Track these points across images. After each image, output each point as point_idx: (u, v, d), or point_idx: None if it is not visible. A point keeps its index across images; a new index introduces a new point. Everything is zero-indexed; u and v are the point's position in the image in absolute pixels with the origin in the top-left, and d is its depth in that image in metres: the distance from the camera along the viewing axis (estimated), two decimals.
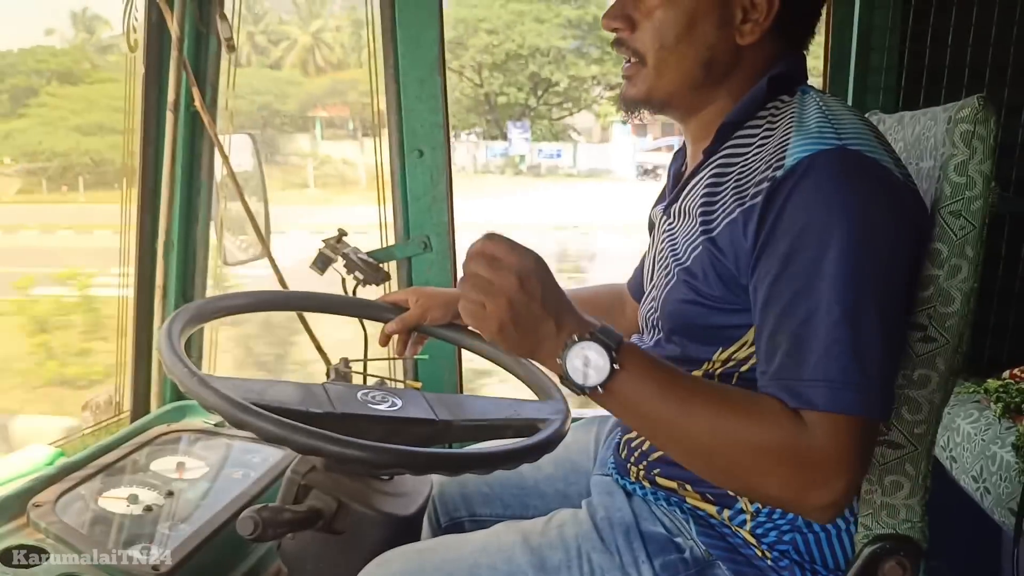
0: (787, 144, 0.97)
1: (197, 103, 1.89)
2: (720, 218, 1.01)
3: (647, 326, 1.22)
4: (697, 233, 1.05)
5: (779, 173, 0.94)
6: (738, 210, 0.98)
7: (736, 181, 1.02)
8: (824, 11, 1.83)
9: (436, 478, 1.41)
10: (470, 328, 1.30)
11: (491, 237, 0.91)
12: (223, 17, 1.85)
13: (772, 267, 0.94)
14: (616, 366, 0.89)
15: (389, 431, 1.14)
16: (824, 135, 0.96)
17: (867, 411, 0.89)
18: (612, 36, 1.14)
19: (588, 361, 0.89)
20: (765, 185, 0.95)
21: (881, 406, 0.91)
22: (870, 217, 0.91)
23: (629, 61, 1.13)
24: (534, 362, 0.98)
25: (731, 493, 1.08)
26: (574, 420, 1.31)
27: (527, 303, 0.88)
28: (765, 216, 0.94)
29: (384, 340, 1.50)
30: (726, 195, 1.02)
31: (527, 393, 1.37)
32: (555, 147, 25.97)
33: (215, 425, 1.72)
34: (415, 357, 2.03)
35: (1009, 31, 1.83)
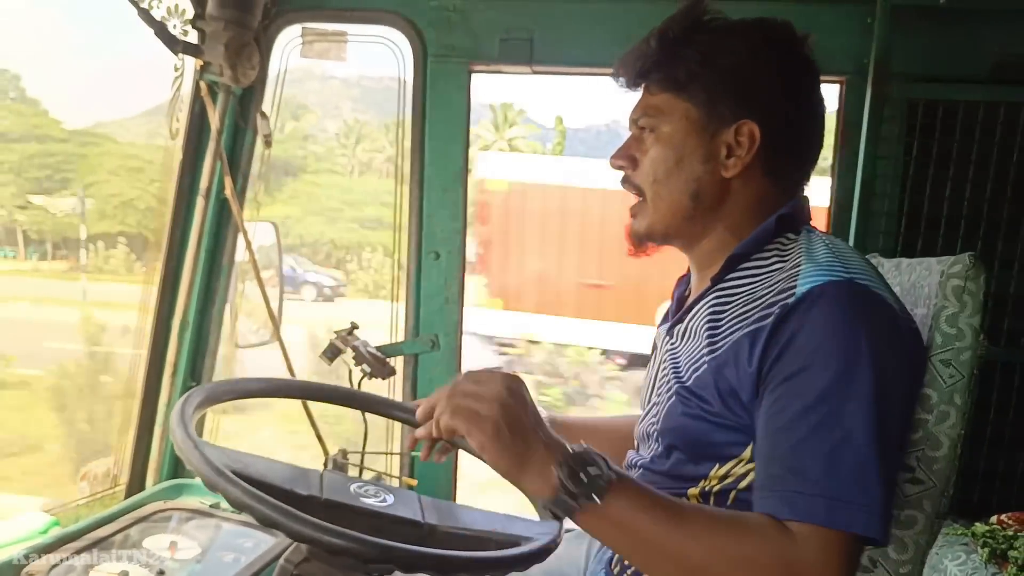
0: (797, 274, 1.04)
1: (228, 191, 1.97)
2: (726, 337, 1.07)
3: (644, 439, 1.25)
4: (702, 352, 1.10)
5: (790, 300, 1.00)
6: (744, 331, 1.04)
7: (744, 305, 1.08)
8: (831, 156, 1.96)
9: None
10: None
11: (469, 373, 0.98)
12: (263, 115, 1.96)
13: (779, 386, 0.98)
14: (613, 476, 0.92)
15: (372, 526, 1.13)
16: (833, 268, 1.02)
17: (864, 529, 0.91)
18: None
19: (587, 473, 0.91)
20: (776, 310, 1.01)
21: (879, 526, 0.92)
22: (874, 347, 0.96)
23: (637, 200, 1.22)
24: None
25: None
26: (567, 531, 1.32)
27: (517, 410, 0.94)
28: (775, 338, 1.00)
29: (412, 444, 1.52)
30: (733, 318, 1.08)
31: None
32: None
33: (210, 506, 1.72)
34: (411, 454, 2.06)
35: (1003, 187, 1.92)
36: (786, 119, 1.15)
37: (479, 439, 0.93)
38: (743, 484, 1.07)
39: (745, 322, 1.05)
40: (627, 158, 1.21)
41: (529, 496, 0.98)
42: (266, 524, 1.00)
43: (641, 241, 1.23)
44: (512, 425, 0.93)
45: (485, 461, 0.95)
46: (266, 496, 1.00)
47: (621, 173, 1.23)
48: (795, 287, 1.01)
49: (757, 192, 1.17)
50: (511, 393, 0.95)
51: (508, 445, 0.93)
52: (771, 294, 1.04)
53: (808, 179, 1.22)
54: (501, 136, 33.91)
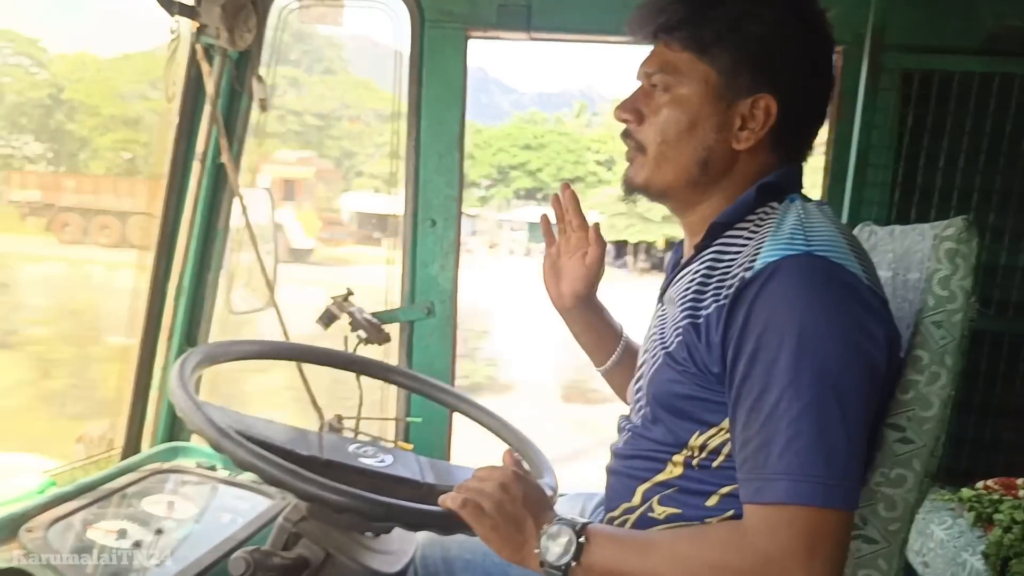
0: (760, 248, 1.03)
1: (224, 156, 1.97)
2: (702, 311, 1.07)
3: (634, 403, 1.26)
4: (681, 320, 1.10)
5: (748, 275, 1.01)
6: (714, 306, 1.05)
7: (719, 279, 1.08)
8: (827, 127, 1.96)
9: (421, 539, 1.43)
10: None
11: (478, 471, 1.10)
12: (260, 79, 1.95)
13: (740, 368, 1.00)
14: (581, 539, 1.01)
15: (372, 485, 1.15)
16: (794, 241, 1.02)
17: (826, 501, 0.93)
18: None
19: (558, 542, 1.02)
20: (736, 284, 1.02)
21: (843, 496, 0.94)
22: (828, 317, 0.97)
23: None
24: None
25: None
26: (560, 495, 1.34)
27: (511, 505, 1.04)
28: (733, 316, 1.01)
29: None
30: (709, 291, 1.08)
31: None
32: None
33: (207, 469, 1.74)
34: (408, 420, 2.08)
35: (996, 158, 1.94)
36: (803, 97, 1.13)
37: (482, 532, 1.04)
38: (723, 454, 1.08)
39: (716, 295, 1.05)
40: (633, 111, 1.18)
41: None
42: (271, 483, 1.02)
43: (634, 191, 1.21)
44: (507, 519, 1.04)
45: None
46: (272, 456, 1.02)
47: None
48: (755, 262, 1.02)
49: (761, 165, 1.15)
50: (505, 489, 1.05)
51: (506, 536, 1.04)
52: (736, 269, 1.05)
53: (810, 150, 1.20)
54: None
